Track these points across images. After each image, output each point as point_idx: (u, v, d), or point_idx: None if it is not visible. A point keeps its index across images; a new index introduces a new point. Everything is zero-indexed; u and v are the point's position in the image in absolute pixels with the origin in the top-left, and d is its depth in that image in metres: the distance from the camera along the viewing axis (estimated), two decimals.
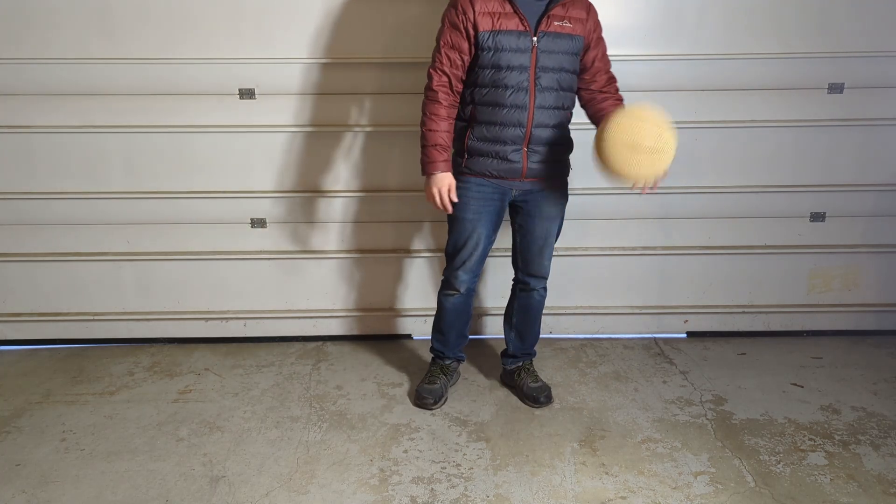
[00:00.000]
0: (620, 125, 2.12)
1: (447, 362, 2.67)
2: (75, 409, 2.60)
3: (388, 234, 3.04)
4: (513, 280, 2.63)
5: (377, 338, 3.15)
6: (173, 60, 2.79)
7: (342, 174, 2.96)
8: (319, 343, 3.13)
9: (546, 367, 2.86)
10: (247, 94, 2.84)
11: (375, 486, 2.16)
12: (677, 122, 2.87)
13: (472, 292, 2.57)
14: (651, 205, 3.00)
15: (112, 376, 2.85)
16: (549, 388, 2.63)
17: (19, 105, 2.83)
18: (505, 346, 2.72)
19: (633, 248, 3.06)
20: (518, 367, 2.68)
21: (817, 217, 3.04)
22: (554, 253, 2.90)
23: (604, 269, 3.09)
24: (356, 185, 2.97)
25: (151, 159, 2.91)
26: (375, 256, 3.06)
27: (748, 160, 2.96)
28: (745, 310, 3.13)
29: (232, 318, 3.12)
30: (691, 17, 2.80)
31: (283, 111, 2.87)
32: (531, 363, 2.70)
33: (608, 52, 2.41)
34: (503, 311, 2.72)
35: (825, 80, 2.87)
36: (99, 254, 3.02)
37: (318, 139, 2.91)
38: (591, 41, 2.34)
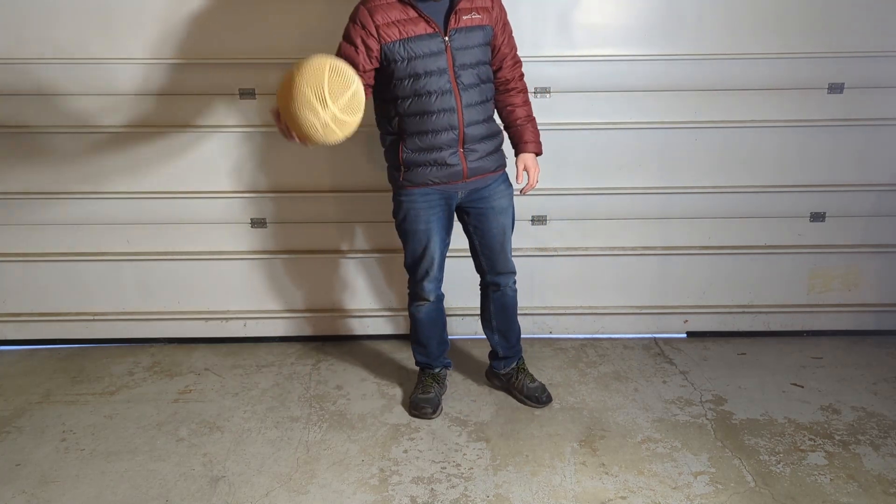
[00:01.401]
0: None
1: (436, 371, 2.65)
2: (75, 409, 2.60)
3: (389, 234, 3.03)
4: (480, 285, 2.60)
5: (377, 338, 3.15)
6: (173, 60, 2.79)
7: (341, 174, 2.95)
8: (319, 343, 3.13)
9: (546, 367, 2.86)
10: (247, 93, 2.84)
11: (375, 486, 2.16)
12: (677, 122, 2.93)
13: (442, 297, 2.55)
14: (651, 205, 3.00)
15: (112, 376, 2.85)
16: (546, 387, 2.62)
17: (19, 105, 2.83)
18: (491, 350, 2.67)
19: (633, 248, 3.06)
20: (512, 370, 2.65)
21: (817, 217, 3.03)
22: (555, 253, 2.91)
23: (604, 269, 3.08)
24: (356, 184, 2.96)
25: (151, 159, 2.91)
26: (375, 256, 3.06)
27: (748, 160, 2.96)
28: (746, 310, 3.13)
29: (232, 318, 3.11)
30: (691, 17, 2.80)
31: None
32: (524, 363, 2.68)
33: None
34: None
35: (825, 80, 2.87)
36: (99, 254, 3.02)
37: None
38: (497, 28, 2.31)
